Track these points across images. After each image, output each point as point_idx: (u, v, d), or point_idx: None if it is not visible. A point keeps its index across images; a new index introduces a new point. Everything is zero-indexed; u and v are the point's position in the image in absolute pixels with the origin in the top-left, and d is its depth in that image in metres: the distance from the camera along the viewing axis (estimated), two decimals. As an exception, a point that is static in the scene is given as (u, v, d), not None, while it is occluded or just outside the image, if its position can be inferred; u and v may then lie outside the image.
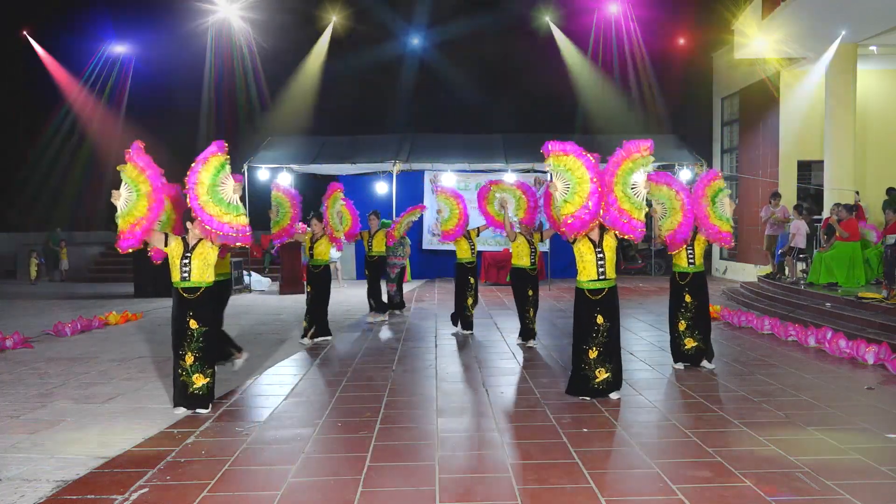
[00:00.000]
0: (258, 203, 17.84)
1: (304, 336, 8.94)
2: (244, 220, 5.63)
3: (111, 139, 21.52)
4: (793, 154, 16.16)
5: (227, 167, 5.63)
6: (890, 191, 13.38)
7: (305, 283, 9.31)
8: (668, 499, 3.96)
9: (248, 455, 4.76)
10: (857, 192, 14.03)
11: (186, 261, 5.69)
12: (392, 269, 11.21)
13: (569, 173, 5.73)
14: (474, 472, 4.44)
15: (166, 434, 5.18)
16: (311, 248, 9.05)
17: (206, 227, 5.55)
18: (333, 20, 20.89)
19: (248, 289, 15.40)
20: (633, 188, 5.79)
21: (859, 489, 4.03)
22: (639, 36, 19.98)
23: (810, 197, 15.91)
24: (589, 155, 5.76)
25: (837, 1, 12.35)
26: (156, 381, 6.88)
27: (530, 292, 8.51)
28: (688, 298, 7.16)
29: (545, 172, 17.56)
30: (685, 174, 16.98)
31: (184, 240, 5.76)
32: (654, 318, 10.79)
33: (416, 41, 22.27)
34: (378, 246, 10.87)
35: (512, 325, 9.84)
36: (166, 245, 5.73)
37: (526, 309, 8.52)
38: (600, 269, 5.94)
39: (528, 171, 17.43)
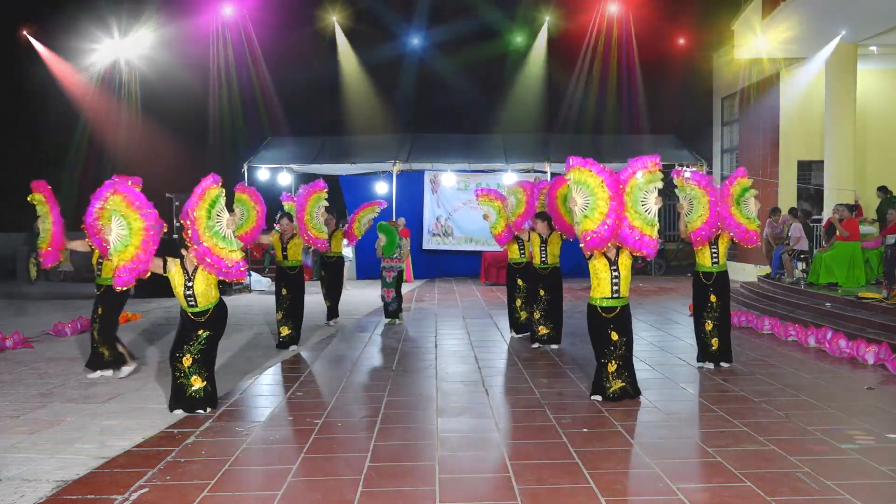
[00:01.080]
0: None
1: (283, 345, 8.46)
2: (238, 255, 5.69)
3: (114, 139, 21.54)
4: (793, 154, 16.16)
5: (222, 200, 5.66)
6: (883, 190, 13.26)
7: (277, 285, 8.76)
8: (668, 499, 3.96)
9: (248, 455, 4.76)
10: (856, 192, 14.03)
11: (190, 291, 5.70)
12: (388, 274, 10.17)
13: (588, 189, 5.69)
14: (474, 472, 4.44)
15: (166, 434, 5.18)
16: (283, 250, 8.63)
17: (206, 259, 5.55)
18: (335, 20, 20.89)
19: (248, 289, 15.40)
20: (643, 204, 5.74)
21: (859, 489, 4.03)
22: (639, 35, 19.98)
23: (811, 197, 15.91)
24: (608, 171, 5.73)
25: (837, 1, 12.34)
26: (156, 381, 6.88)
27: (542, 292, 8.30)
28: (713, 298, 7.19)
29: (545, 172, 17.66)
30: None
31: (182, 265, 5.73)
32: (655, 318, 10.79)
33: (416, 41, 22.26)
34: (335, 246, 10.22)
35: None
36: (165, 271, 5.73)
37: (532, 310, 8.44)
38: (614, 288, 5.89)
39: (527, 171, 17.46)
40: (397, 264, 10.18)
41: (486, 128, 20.62)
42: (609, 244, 5.76)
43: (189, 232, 5.52)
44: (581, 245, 5.77)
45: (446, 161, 17.45)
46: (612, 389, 5.91)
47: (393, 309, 10.25)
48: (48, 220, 6.98)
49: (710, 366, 7.23)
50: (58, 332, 9.55)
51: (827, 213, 13.07)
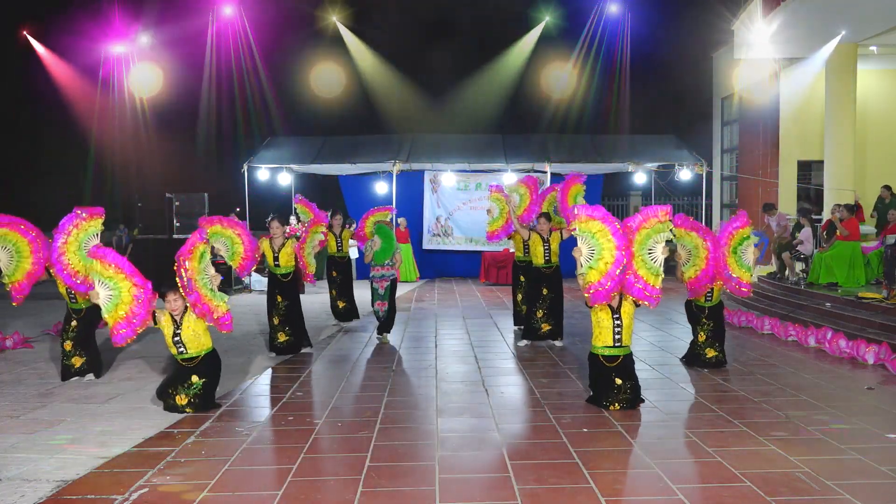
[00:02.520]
0: (258, 203, 17.85)
1: (280, 350, 8.10)
2: (225, 308, 5.84)
3: (114, 139, 21.54)
4: (793, 154, 16.16)
5: (207, 256, 5.89)
6: (889, 189, 13.19)
7: (270, 291, 8.28)
8: (668, 499, 3.96)
9: (248, 455, 4.76)
10: (856, 191, 14.03)
11: (178, 338, 5.74)
12: (380, 284, 8.77)
13: (594, 239, 5.59)
14: (474, 472, 4.44)
15: (166, 434, 5.18)
16: (275, 259, 8.12)
17: (197, 305, 5.67)
18: (335, 20, 20.90)
19: (248, 289, 15.39)
20: (650, 253, 5.67)
21: (859, 489, 4.03)
22: (639, 35, 20.00)
23: (808, 198, 15.91)
24: (616, 223, 5.63)
25: (837, 1, 12.34)
26: (156, 381, 6.86)
27: (545, 291, 8.43)
28: (704, 320, 7.26)
29: (545, 172, 17.63)
30: (685, 174, 16.99)
31: (171, 315, 5.76)
32: (655, 318, 10.78)
33: (416, 40, 22.28)
34: (344, 247, 10.18)
35: (512, 325, 9.86)
36: (156, 323, 5.75)
37: (535, 309, 8.47)
38: (616, 337, 5.78)
39: (528, 171, 17.45)
40: (390, 272, 8.80)
41: (486, 128, 20.62)
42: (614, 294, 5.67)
43: (183, 279, 5.60)
44: (585, 296, 5.66)
45: (446, 161, 17.43)
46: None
47: (384, 321, 8.90)
48: (27, 254, 6.79)
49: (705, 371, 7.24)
50: (58, 332, 9.52)
51: (827, 214, 13.06)
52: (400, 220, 17.28)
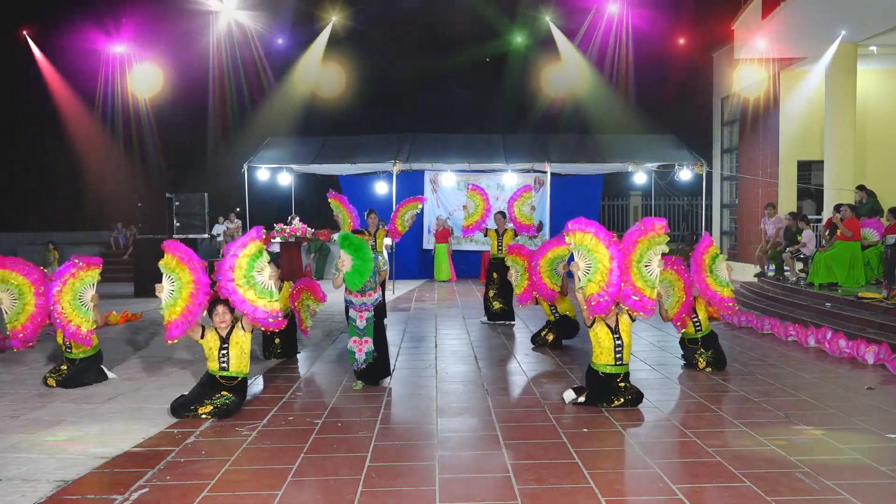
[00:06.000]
0: (258, 202, 17.84)
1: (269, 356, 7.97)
2: (277, 305, 5.70)
3: (113, 140, 21.54)
4: (793, 154, 16.18)
5: (266, 254, 5.73)
6: (861, 188, 13.04)
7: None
8: (668, 499, 3.96)
9: (248, 455, 4.76)
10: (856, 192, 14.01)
11: (224, 351, 5.70)
12: (360, 314, 6.38)
13: (589, 252, 5.68)
14: (474, 472, 4.44)
15: (166, 434, 5.18)
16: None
17: (242, 310, 5.59)
18: (334, 20, 20.90)
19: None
20: (647, 266, 5.73)
21: (859, 489, 4.03)
22: (639, 35, 19.99)
23: (807, 198, 15.92)
24: (607, 235, 5.71)
25: (837, 1, 12.35)
26: (156, 381, 6.88)
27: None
28: (702, 350, 7.27)
29: (545, 172, 17.62)
30: (685, 174, 16.98)
31: (216, 330, 5.75)
32: (654, 317, 10.76)
33: (417, 41, 22.29)
34: (378, 246, 10.23)
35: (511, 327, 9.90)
36: (202, 337, 5.72)
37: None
38: (618, 356, 5.81)
39: (527, 171, 17.46)
40: (374, 297, 6.45)
41: (486, 128, 20.63)
42: (612, 308, 5.70)
43: (222, 278, 5.53)
44: (584, 308, 5.71)
45: (446, 161, 17.44)
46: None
47: (367, 368, 6.43)
48: (29, 296, 6.65)
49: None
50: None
51: (827, 214, 13.06)
52: (438, 219, 17.27)
